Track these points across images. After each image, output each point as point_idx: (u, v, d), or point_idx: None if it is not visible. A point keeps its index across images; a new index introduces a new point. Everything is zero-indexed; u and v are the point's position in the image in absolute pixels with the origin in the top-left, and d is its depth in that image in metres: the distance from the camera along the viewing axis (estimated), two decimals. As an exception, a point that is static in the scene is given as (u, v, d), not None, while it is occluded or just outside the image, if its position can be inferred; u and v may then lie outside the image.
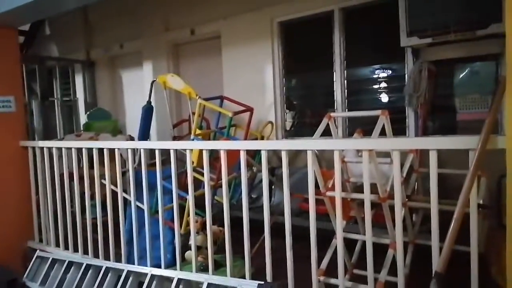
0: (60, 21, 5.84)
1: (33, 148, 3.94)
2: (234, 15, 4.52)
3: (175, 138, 4.04)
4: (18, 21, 4.03)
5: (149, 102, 4.08)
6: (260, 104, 4.31)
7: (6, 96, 3.93)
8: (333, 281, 2.24)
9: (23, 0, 3.19)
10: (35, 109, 5.68)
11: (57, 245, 3.72)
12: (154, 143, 3.05)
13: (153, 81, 4.00)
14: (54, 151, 3.65)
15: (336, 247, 2.21)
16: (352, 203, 2.48)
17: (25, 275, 3.60)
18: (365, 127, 2.71)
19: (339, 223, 2.14)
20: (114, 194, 3.28)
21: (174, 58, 5.20)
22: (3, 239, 3.81)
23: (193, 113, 3.73)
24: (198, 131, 3.56)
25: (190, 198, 2.73)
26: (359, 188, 2.38)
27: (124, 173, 3.49)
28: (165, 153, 2.90)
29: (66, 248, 3.61)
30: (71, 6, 3.64)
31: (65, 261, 3.39)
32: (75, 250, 3.52)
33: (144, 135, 4.04)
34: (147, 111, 4.06)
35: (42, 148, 3.82)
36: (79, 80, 5.91)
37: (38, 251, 3.72)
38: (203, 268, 2.83)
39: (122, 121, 5.64)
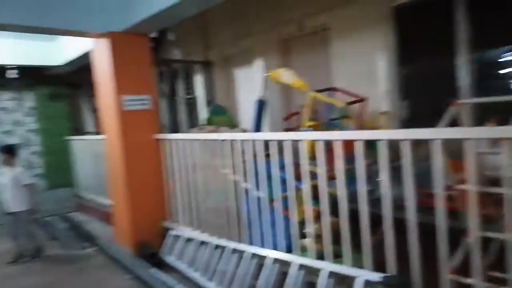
0: (181, 26, 6.51)
1: (165, 140, 4.53)
2: (343, 5, 4.47)
3: (286, 131, 4.20)
4: (150, 29, 4.65)
5: (262, 96, 4.31)
6: (371, 94, 4.20)
7: (144, 95, 4.58)
8: (466, 280, 2.11)
9: (156, 9, 3.68)
10: (163, 107, 6.48)
11: (187, 225, 4.22)
12: (271, 135, 3.24)
13: (265, 76, 4.21)
14: (183, 143, 4.15)
15: (467, 245, 2.07)
16: (487, 199, 2.28)
17: (163, 250, 4.20)
18: (496, 117, 2.46)
19: (474, 220, 2.00)
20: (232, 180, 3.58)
21: (284, 53, 5.37)
22: (145, 219, 4.48)
23: (303, 106, 3.84)
24: (309, 123, 3.66)
25: (306, 188, 2.84)
26: (492, 182, 2.19)
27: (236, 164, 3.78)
28: (276, 145, 3.07)
29: (195, 229, 4.08)
30: (192, 12, 4.04)
31: (194, 239, 3.85)
32: (202, 231, 3.95)
33: (258, 127, 4.30)
34: (260, 105, 4.30)
35: (172, 140, 4.37)
36: (198, 80, 6.51)
37: (172, 230, 4.30)
38: (319, 257, 2.94)
39: (236, 115, 6.06)
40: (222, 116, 5.37)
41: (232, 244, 3.39)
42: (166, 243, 4.23)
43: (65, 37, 6.23)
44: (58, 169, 7.36)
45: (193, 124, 6.46)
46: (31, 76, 6.94)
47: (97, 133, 7.07)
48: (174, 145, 4.33)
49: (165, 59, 6.62)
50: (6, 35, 5.96)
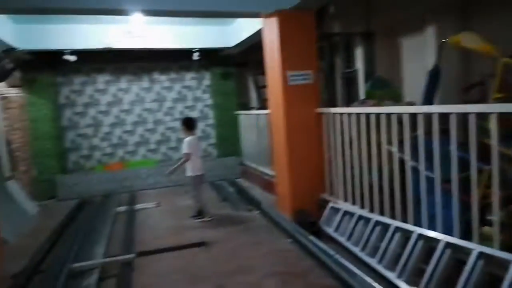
0: (343, -1, 6.33)
1: (327, 114, 4.56)
2: None
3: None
4: (316, 3, 4.67)
5: (436, 65, 3.86)
6: None
7: (306, 70, 4.68)
8: None
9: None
10: (322, 82, 6.48)
11: (346, 199, 4.21)
12: (448, 107, 2.87)
13: (442, 43, 3.74)
14: (345, 117, 4.10)
15: None
16: None
17: (321, 220, 4.32)
18: None
19: None
20: (396, 157, 3.36)
21: (463, 15, 4.65)
22: (304, 190, 4.67)
23: (490, 75, 3.28)
24: (499, 94, 3.10)
25: (494, 169, 2.44)
26: None
27: (402, 140, 3.51)
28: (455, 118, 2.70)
29: (354, 203, 4.04)
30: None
31: (354, 214, 3.82)
32: (362, 206, 3.88)
33: (430, 100, 3.89)
34: (434, 75, 3.86)
35: (334, 114, 4.37)
36: (359, 52, 6.26)
37: (331, 202, 4.36)
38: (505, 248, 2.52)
39: (400, 88, 5.62)
40: (385, 89, 5.05)
41: (396, 223, 3.23)
42: (325, 215, 4.32)
43: (236, 21, 6.84)
44: (227, 139, 8.32)
45: (351, 99, 6.30)
46: (208, 58, 7.93)
47: (261, 108, 7.65)
48: (336, 119, 4.33)
49: (326, 33, 6.57)
50: (190, 21, 6.92)
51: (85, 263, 3.61)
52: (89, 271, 3.46)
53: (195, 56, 7.25)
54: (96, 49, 6.59)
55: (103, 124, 7.70)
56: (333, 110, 4.47)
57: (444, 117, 2.85)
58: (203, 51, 7.36)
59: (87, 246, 4.17)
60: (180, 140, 7.81)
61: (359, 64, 6.40)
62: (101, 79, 7.66)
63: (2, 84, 6.65)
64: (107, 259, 3.75)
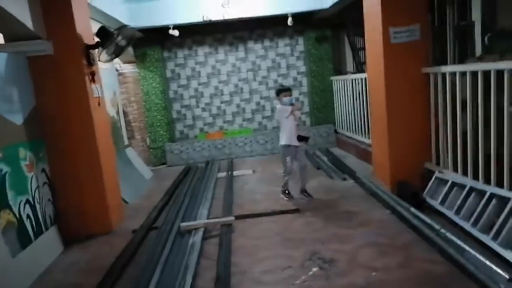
0: None
1: (435, 74, 4.08)
2: None
3: None
4: None
5: None
6: None
7: (413, 25, 4.21)
8: None
9: None
10: (430, 37, 5.80)
11: (455, 170, 3.79)
12: None
13: None
14: (456, 76, 3.62)
15: None
16: None
17: (425, 192, 3.99)
18: None
19: None
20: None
21: None
22: (405, 159, 4.34)
23: None
24: None
25: None
26: None
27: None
28: None
29: (465, 174, 3.62)
30: None
31: (465, 186, 3.43)
32: (475, 177, 3.45)
33: None
34: None
35: (444, 74, 3.89)
36: (476, 3, 5.40)
37: (436, 172, 3.99)
38: None
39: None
40: (508, 42, 4.30)
41: (518, 197, 2.80)
42: (431, 186, 3.98)
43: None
44: (322, 107, 8.11)
45: (466, 56, 5.54)
46: (302, 22, 7.69)
47: (357, 72, 7.23)
48: (446, 79, 3.85)
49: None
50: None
51: (191, 222, 3.96)
52: (195, 230, 3.78)
53: (289, 21, 7.08)
54: (196, 22, 6.90)
55: (204, 95, 8.15)
56: (444, 68, 3.98)
57: None
58: (297, 16, 7.16)
59: (192, 207, 4.55)
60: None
61: (476, 15, 5.54)
62: (201, 52, 8.04)
63: (118, 61, 7.46)
64: (210, 220, 4.05)
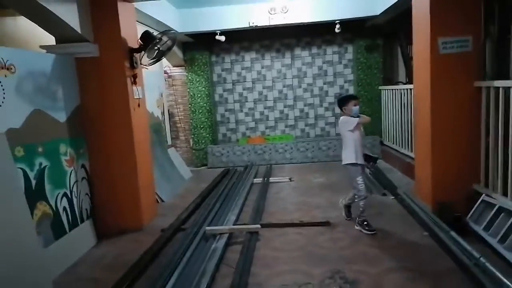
0: None
1: (488, 88, 3.74)
2: None
3: None
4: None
5: None
6: None
7: (464, 36, 3.90)
8: None
9: None
10: (488, 51, 5.33)
11: (505, 194, 3.43)
12: None
13: None
14: (510, 92, 3.28)
15: None
16: None
17: (469, 216, 3.64)
18: None
19: None
20: None
21: None
22: (450, 178, 4.01)
23: None
24: None
25: None
26: None
27: None
28: None
29: (515, 199, 3.26)
30: None
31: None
32: (527, 204, 3.10)
33: None
34: None
35: (497, 89, 3.54)
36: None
37: (483, 195, 3.63)
38: None
39: None
40: None
41: None
42: (476, 209, 3.63)
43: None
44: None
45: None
46: (351, 30, 7.46)
47: (408, 82, 6.85)
48: (501, 94, 3.50)
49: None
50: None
51: (216, 227, 3.96)
52: (220, 235, 3.78)
53: (337, 28, 6.90)
54: (243, 28, 6.96)
55: (248, 100, 8.19)
56: (497, 83, 3.62)
57: None
58: (346, 23, 6.96)
59: (223, 211, 4.56)
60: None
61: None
62: (248, 57, 8.10)
63: (168, 63, 7.75)
64: (236, 226, 4.03)
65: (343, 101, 3.93)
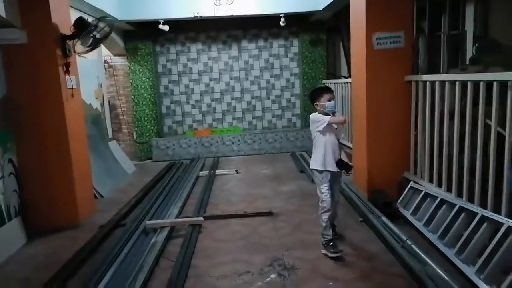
0: None
1: (417, 82, 3.99)
2: None
3: None
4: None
5: None
6: None
7: (397, 31, 4.11)
8: None
9: None
10: (421, 46, 5.71)
11: (430, 180, 3.70)
12: None
13: None
14: (437, 86, 3.53)
15: None
16: None
17: (398, 201, 3.90)
18: None
19: None
20: (500, 137, 2.78)
21: None
22: (383, 167, 4.24)
23: None
24: None
25: None
26: None
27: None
28: None
29: (439, 185, 3.53)
30: None
31: (437, 197, 3.34)
32: (449, 189, 3.36)
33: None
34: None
35: (425, 83, 3.80)
36: (469, 10, 5.30)
37: (412, 182, 3.89)
38: None
39: (519, 53, 4.62)
40: (495, 54, 4.19)
41: (484, 212, 2.71)
42: (405, 196, 3.89)
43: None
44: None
45: (455, 64, 5.43)
46: (297, 24, 7.60)
47: (349, 77, 7.13)
48: (428, 88, 3.76)
49: (429, -12, 5.69)
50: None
51: (157, 221, 3.88)
52: (160, 229, 3.71)
53: (282, 22, 6.99)
54: (187, 18, 6.81)
55: (194, 92, 8.07)
56: (425, 77, 3.88)
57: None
58: (291, 17, 7.07)
59: (165, 205, 4.48)
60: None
61: (468, 24, 5.43)
62: (194, 48, 7.95)
63: (108, 53, 7.39)
64: (177, 220, 3.97)
65: (315, 94, 3.30)
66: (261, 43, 8.03)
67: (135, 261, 3.05)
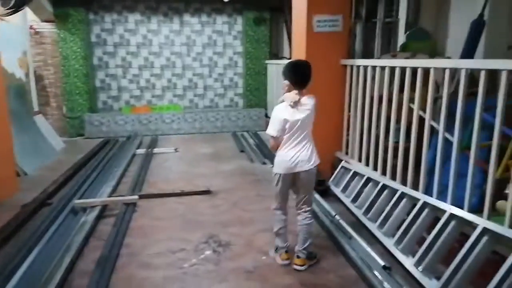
0: None
1: (351, 66, 4.16)
2: None
3: None
4: None
5: (481, 15, 3.31)
6: None
7: (336, 15, 4.22)
8: None
9: None
10: (358, 32, 5.95)
11: (359, 160, 3.93)
12: (482, 62, 2.45)
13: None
14: (369, 70, 3.71)
15: None
16: None
17: (330, 180, 4.10)
18: None
19: None
20: (421, 121, 3.01)
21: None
22: (318, 147, 4.39)
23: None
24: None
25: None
26: None
27: (436, 100, 3.11)
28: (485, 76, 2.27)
29: (367, 165, 3.76)
30: None
31: (364, 176, 3.56)
32: (375, 168, 3.60)
33: (469, 54, 3.39)
34: (477, 26, 3.33)
35: (358, 67, 3.97)
36: (403, 1, 5.60)
37: (343, 162, 4.11)
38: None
39: (443, 42, 5.01)
40: (423, 41, 4.50)
41: (404, 189, 2.95)
42: (336, 174, 4.10)
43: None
44: (255, 90, 8.05)
45: (388, 50, 5.75)
46: (241, 1, 7.49)
47: (290, 59, 7.24)
48: (361, 72, 3.93)
49: (367, -24, 5.91)
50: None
51: (87, 200, 3.70)
52: (90, 208, 3.54)
53: (225, -2, 6.85)
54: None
55: (132, 65, 7.68)
56: (358, 62, 4.05)
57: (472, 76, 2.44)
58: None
59: (97, 184, 4.27)
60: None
61: (402, 12, 5.75)
62: (132, 19, 7.52)
63: (35, 18, 6.72)
64: (110, 198, 3.82)
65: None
66: (204, 18, 7.81)
67: (62, 241, 2.89)
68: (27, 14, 6.31)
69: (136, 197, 3.84)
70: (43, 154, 5.47)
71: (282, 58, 8.02)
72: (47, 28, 6.99)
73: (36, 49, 6.89)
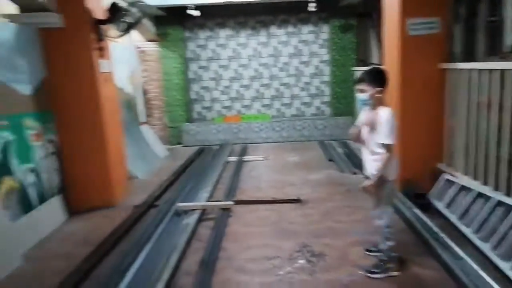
0: None
1: (452, 70, 3.86)
2: None
3: None
4: None
5: None
6: None
7: (432, 17, 3.97)
8: None
9: None
10: (456, 32, 5.49)
11: (466, 173, 3.60)
12: None
13: None
14: (475, 74, 3.40)
15: None
16: None
17: (431, 193, 3.82)
18: None
19: None
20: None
21: None
22: (415, 157, 4.14)
23: None
24: None
25: None
26: None
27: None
28: None
29: (476, 178, 3.43)
30: None
31: (472, 190, 3.26)
32: (485, 182, 3.27)
33: None
34: None
35: (461, 71, 3.67)
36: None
37: (446, 174, 3.80)
38: None
39: None
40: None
41: (524, 206, 2.63)
42: (437, 187, 3.81)
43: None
44: (342, 98, 7.91)
45: (492, 52, 5.19)
46: (327, 9, 7.46)
47: (381, 64, 6.96)
48: (464, 76, 3.63)
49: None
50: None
51: (188, 203, 3.99)
52: (191, 212, 3.81)
53: (311, 7, 6.87)
54: (217, 3, 6.81)
55: (223, 78, 8.12)
56: (461, 65, 3.74)
57: None
58: (321, 2, 6.93)
59: (196, 189, 4.58)
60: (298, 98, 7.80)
61: (509, 10, 5.16)
62: (223, 34, 7.97)
63: (141, 38, 7.52)
64: (208, 203, 4.06)
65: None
66: (290, 29, 7.94)
67: (168, 241, 3.16)
68: (134, 35, 7.08)
69: (231, 202, 4.03)
70: (150, 160, 6.06)
71: (370, 64, 7.75)
72: (151, 47, 7.76)
73: (142, 66, 7.69)
